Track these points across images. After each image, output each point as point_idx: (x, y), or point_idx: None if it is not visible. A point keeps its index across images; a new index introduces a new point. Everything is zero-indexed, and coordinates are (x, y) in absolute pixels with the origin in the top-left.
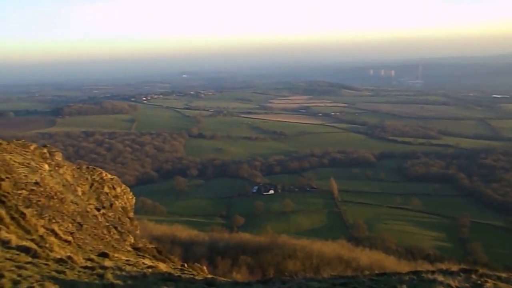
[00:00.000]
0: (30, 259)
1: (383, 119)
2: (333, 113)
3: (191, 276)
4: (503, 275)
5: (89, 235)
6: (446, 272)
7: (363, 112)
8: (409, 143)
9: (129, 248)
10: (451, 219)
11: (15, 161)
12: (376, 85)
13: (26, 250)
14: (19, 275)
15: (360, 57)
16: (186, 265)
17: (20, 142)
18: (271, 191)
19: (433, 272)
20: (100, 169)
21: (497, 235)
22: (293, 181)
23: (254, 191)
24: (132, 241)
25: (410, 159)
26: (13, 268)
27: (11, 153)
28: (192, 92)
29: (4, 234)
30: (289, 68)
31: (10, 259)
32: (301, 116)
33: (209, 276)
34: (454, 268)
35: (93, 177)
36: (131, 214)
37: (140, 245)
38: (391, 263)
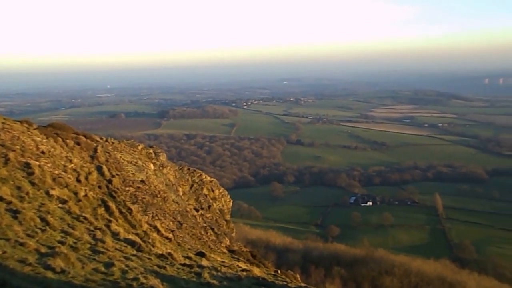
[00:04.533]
0: (135, 252)
1: (498, 132)
2: (440, 124)
3: (285, 283)
4: None
5: (188, 234)
6: None
7: (475, 124)
8: None
9: (225, 250)
10: None
11: (124, 160)
12: (492, 95)
13: (132, 243)
14: (127, 266)
15: (474, 65)
16: (279, 271)
17: (129, 142)
18: (369, 203)
19: None
20: (200, 171)
21: None
22: (393, 193)
23: (352, 201)
24: (228, 243)
25: None
26: (121, 259)
27: (121, 152)
28: (292, 99)
29: (114, 227)
30: (394, 75)
31: (119, 250)
32: (405, 126)
33: (303, 284)
34: None
35: (193, 178)
36: (228, 217)
37: (235, 247)
38: None
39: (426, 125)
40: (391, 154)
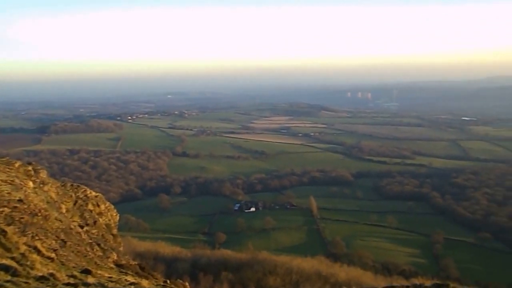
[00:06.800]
0: (9, 277)
1: (360, 139)
2: (312, 134)
3: None
4: None
5: (73, 252)
6: (420, 287)
7: (341, 133)
8: (385, 163)
9: (112, 265)
10: (425, 236)
11: None
12: (353, 107)
13: (5, 268)
14: None
15: (339, 81)
16: (168, 281)
17: (4, 159)
18: (253, 209)
19: (407, 287)
20: (85, 187)
21: (469, 252)
22: (273, 199)
23: (236, 208)
24: (115, 258)
25: (385, 178)
26: None
27: None
28: (176, 112)
29: None
30: (271, 90)
31: None
32: (282, 136)
33: None
34: (428, 283)
35: (77, 194)
36: (115, 231)
37: (123, 262)
38: (368, 279)
39: (300, 134)
40: (271, 162)
